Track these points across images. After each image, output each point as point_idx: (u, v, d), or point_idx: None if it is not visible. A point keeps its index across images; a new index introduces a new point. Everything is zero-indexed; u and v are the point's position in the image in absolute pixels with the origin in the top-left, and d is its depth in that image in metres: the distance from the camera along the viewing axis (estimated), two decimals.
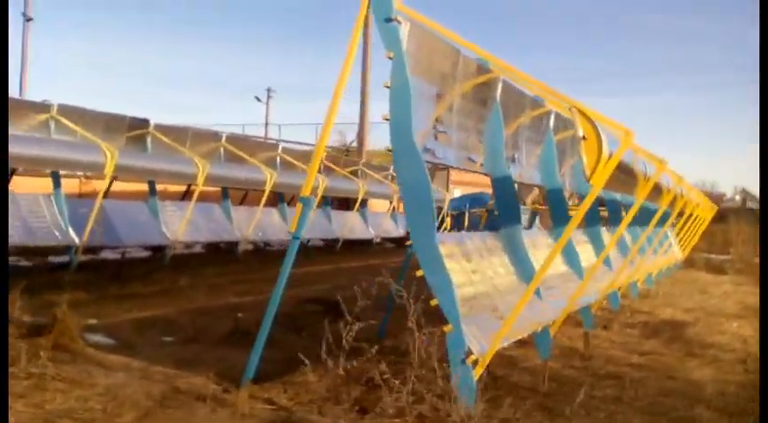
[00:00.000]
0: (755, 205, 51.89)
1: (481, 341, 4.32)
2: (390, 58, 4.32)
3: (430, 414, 4.71)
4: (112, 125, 12.08)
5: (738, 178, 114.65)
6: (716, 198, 53.91)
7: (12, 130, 10.02)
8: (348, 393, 5.30)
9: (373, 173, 20.63)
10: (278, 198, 16.55)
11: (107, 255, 13.13)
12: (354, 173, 19.53)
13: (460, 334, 4.14)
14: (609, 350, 7.98)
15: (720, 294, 14.09)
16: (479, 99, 5.91)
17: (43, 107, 10.96)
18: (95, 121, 11.61)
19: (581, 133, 4.11)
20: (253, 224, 14.35)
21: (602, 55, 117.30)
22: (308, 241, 18.40)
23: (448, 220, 24.01)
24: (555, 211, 7.57)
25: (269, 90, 49.58)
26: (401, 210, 24.04)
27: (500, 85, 5.76)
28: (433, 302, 4.30)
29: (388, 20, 4.23)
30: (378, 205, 23.21)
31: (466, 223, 24.45)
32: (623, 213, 12.62)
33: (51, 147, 9.94)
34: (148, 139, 12.74)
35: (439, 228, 23.64)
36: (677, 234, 19.45)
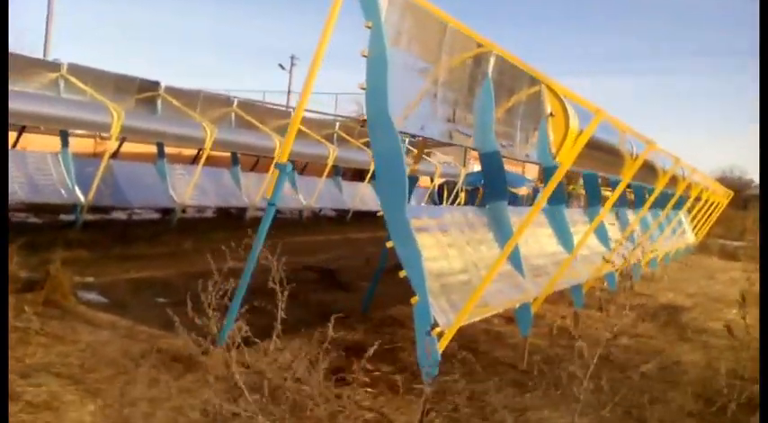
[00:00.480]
0: None
1: (449, 314, 4.33)
2: (369, 28, 4.29)
3: (401, 385, 4.77)
4: (122, 86, 12.14)
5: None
6: (743, 184, 53.15)
7: (21, 88, 10.11)
8: (327, 361, 5.37)
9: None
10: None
11: (114, 215, 13.27)
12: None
13: (426, 306, 4.15)
14: (600, 331, 7.96)
15: (727, 280, 13.96)
16: (470, 73, 5.86)
17: (54, 66, 11.04)
18: (105, 81, 11.66)
19: (549, 110, 4.06)
20: (262, 191, 14.40)
21: (635, 34, 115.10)
22: (321, 211, 18.49)
23: (462, 195, 23.94)
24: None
25: (292, 57, 49.58)
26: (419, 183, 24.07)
27: (492, 60, 5.69)
28: (402, 274, 4.32)
29: None
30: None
31: (478, 200, 24.37)
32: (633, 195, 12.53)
33: (58, 105, 10.02)
34: (159, 102, 12.79)
35: (453, 202, 23.67)
36: (692, 219, 19.27)
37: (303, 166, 18.22)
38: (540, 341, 7.08)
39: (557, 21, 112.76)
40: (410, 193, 7.13)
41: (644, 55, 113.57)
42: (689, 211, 16.83)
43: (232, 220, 14.90)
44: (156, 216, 13.96)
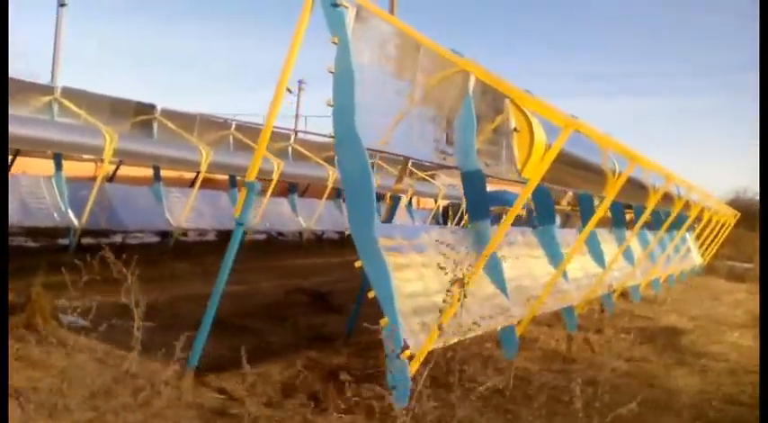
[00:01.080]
0: None
1: (420, 336, 4.20)
2: (335, 44, 4.22)
3: (378, 410, 4.63)
4: (118, 109, 12.16)
5: None
6: (756, 205, 52.65)
7: (14, 111, 10.12)
8: (307, 386, 5.24)
9: (388, 166, 20.53)
10: (289, 188, 16.54)
11: (112, 239, 13.20)
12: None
13: (396, 328, 4.02)
14: (595, 354, 7.79)
15: (731, 302, 13.72)
16: (451, 91, 5.78)
17: (47, 89, 11.07)
18: (100, 104, 11.68)
19: (513, 125, 3.96)
20: (260, 213, 14.33)
21: (630, 55, 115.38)
22: (323, 233, 18.40)
23: (466, 217, 23.82)
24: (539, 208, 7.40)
25: (300, 82, 49.87)
26: (416, 204, 24.00)
27: (472, 78, 5.60)
28: (371, 294, 4.19)
29: (335, 5, 4.13)
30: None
31: None
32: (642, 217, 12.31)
33: (50, 128, 10.00)
34: (155, 125, 12.79)
35: (458, 223, 23.55)
36: (698, 239, 19.03)
37: (304, 189, 18.18)
38: (531, 365, 6.91)
39: (557, 40, 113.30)
40: (393, 212, 7.06)
41: (646, 73, 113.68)
42: (691, 230, 16.58)
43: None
44: (154, 239, 13.91)
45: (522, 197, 4.36)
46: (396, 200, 7.15)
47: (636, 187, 7.39)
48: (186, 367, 4.85)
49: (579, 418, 5.32)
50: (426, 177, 21.08)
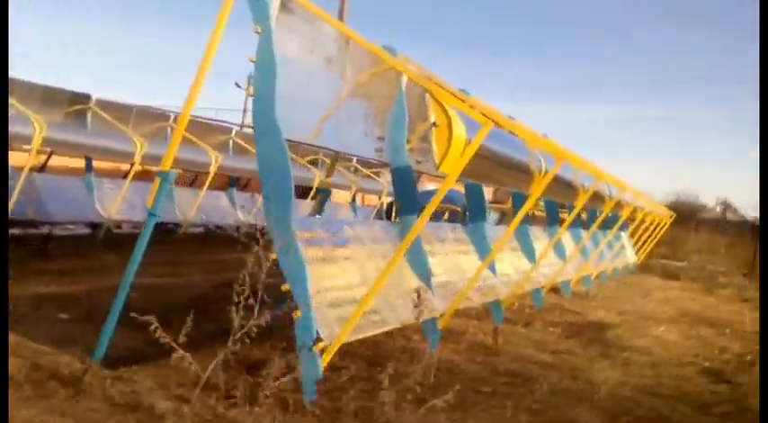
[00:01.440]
0: (735, 217, 52.52)
1: (334, 329, 4.18)
2: (258, 33, 4.17)
3: (292, 403, 4.60)
4: (51, 98, 11.79)
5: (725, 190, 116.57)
6: (696, 208, 54.32)
7: None
8: (223, 380, 5.16)
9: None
10: (229, 182, 16.35)
11: (38, 230, 12.81)
12: (314, 162, 19.36)
13: (309, 320, 4.00)
14: (521, 347, 7.90)
15: (662, 299, 14.09)
16: (384, 86, 5.78)
17: None
18: (31, 93, 11.31)
19: (432, 119, 3.98)
20: (195, 206, 14.12)
21: (594, 62, 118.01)
22: (262, 228, 18.17)
23: None
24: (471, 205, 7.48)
25: (250, 77, 49.41)
26: (361, 201, 24.02)
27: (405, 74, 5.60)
28: (285, 288, 4.16)
29: None
30: (341, 197, 23.16)
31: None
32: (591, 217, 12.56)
33: None
34: (89, 115, 12.46)
35: None
36: (632, 238, 19.53)
37: (245, 183, 17.99)
38: (456, 357, 6.98)
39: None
40: (322, 204, 7.04)
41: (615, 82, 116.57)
42: (624, 229, 16.99)
43: (164, 236, 14.56)
44: (85, 231, 13.54)
45: (440, 193, 4.38)
46: (325, 194, 7.10)
47: (564, 185, 7.52)
48: (97, 360, 4.71)
49: (493, 406, 5.41)
50: (371, 174, 21.12)
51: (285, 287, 4.17)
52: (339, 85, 5.49)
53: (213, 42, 4.22)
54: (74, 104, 12.33)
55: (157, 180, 4.47)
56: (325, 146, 5.55)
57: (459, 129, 4.06)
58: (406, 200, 5.86)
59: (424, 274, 5.86)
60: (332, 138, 5.39)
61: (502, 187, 8.12)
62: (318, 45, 4.94)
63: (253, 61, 4.21)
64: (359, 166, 20.69)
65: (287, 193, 4.24)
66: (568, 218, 8.49)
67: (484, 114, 4.83)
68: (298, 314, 4.06)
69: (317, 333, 4.01)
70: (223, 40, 4.19)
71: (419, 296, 4.83)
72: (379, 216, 22.69)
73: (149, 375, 5.14)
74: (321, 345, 4.01)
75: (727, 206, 59.08)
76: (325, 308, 4.18)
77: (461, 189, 8.34)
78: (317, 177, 17.87)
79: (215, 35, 4.21)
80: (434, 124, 4.06)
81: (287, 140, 4.32)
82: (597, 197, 9.65)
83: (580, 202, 8.29)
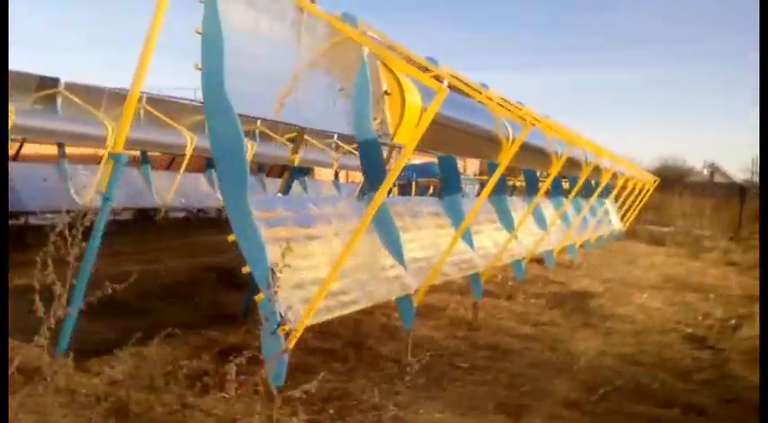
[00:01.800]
0: (724, 179, 52.77)
1: (299, 310, 4.05)
2: (202, 2, 3.98)
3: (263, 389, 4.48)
4: (19, 84, 11.46)
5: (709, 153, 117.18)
6: (683, 172, 54.53)
7: None
8: (195, 367, 5.03)
9: (316, 140, 20.23)
10: (207, 164, 16.10)
11: (18, 221, 12.59)
12: (294, 140, 19.11)
13: (272, 302, 3.86)
14: (503, 320, 7.83)
15: (647, 266, 14.05)
16: (346, 56, 5.58)
17: None
18: None
19: (384, 87, 3.82)
20: (173, 189, 13.90)
21: (581, 27, 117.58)
22: None
23: (395, 189, 23.79)
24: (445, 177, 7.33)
25: None
26: (345, 178, 23.83)
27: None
28: (245, 270, 4.02)
29: None
30: (325, 174, 22.97)
31: (413, 193, 24.24)
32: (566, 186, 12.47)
33: None
34: (59, 100, 12.16)
35: (388, 195, 23.46)
36: (618, 205, 19.47)
37: None
38: (436, 333, 6.89)
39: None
40: (290, 183, 6.87)
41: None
42: (605, 195, 16.88)
43: (144, 222, 14.37)
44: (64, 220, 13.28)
45: (398, 164, 4.21)
46: (293, 171, 6.92)
47: (535, 152, 7.37)
48: (61, 352, 4.57)
49: (471, 382, 5.32)
50: (353, 150, 20.88)
51: (246, 269, 4.03)
52: (300, 55, 5.28)
53: (158, 15, 4.03)
54: (42, 89, 12.02)
55: (110, 162, 4.29)
56: (289, 121, 5.34)
57: (414, 97, 3.91)
58: (374, 174, 5.70)
59: (397, 250, 5.73)
60: (294, 112, 5.19)
61: (471, 158, 7.97)
62: (274, 14, 4.73)
63: (199, 33, 4.02)
64: (340, 143, 20.44)
65: (241, 171, 4.08)
66: (544, 185, 8.34)
67: (450, 84, 4.66)
68: (260, 297, 3.91)
69: (281, 315, 3.87)
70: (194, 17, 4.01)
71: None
72: (362, 192, 22.51)
73: (120, 365, 5.00)
74: (286, 328, 3.87)
75: (714, 169, 59.50)
76: (289, 289, 4.04)
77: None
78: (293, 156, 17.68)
79: (160, 6, 4.02)
80: (386, 93, 3.90)
81: (242, 115, 4.15)
82: (573, 163, 9.51)
83: (554, 169, 8.15)
